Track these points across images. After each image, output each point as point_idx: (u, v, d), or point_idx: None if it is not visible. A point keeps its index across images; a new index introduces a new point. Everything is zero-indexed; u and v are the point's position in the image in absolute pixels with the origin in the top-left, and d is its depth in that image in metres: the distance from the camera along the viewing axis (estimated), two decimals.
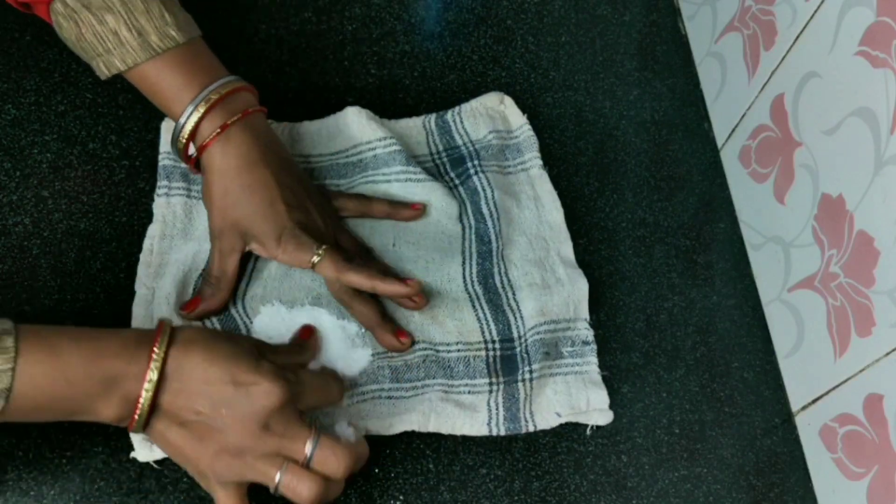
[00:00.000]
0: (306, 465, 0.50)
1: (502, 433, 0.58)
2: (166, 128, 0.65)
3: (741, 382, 0.66)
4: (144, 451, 0.54)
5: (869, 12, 0.56)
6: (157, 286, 0.59)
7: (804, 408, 0.65)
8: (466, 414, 0.58)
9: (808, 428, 0.64)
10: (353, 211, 0.64)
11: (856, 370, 0.58)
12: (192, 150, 0.58)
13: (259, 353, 0.51)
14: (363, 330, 0.60)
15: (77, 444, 0.54)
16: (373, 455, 0.58)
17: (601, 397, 0.61)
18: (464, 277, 0.63)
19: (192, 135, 0.57)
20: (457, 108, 0.71)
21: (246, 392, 0.49)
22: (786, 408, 0.66)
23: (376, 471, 0.57)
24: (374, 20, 0.75)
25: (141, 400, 0.48)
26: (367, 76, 0.73)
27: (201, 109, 0.56)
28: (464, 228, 0.65)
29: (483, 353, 0.60)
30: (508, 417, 0.59)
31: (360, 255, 0.62)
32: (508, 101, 0.72)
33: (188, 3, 0.71)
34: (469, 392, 0.59)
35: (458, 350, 0.60)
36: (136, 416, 0.48)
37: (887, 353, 0.55)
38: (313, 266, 0.57)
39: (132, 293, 0.59)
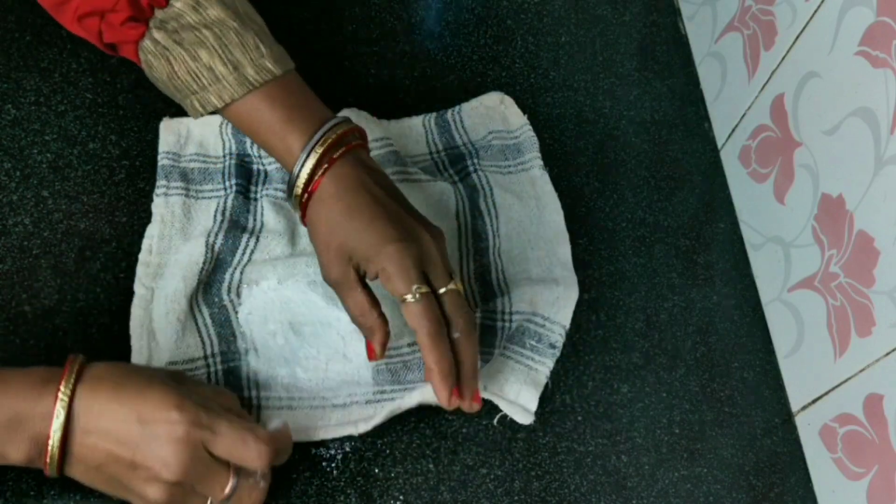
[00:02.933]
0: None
1: None
2: (164, 127, 0.64)
3: (741, 382, 0.66)
4: None
5: (869, 12, 0.56)
6: (156, 286, 0.59)
7: (804, 408, 0.65)
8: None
9: (808, 428, 0.64)
10: (437, 285, 0.54)
11: (856, 370, 0.58)
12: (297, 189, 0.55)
13: (177, 383, 0.50)
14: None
15: None
16: (373, 455, 0.58)
17: (531, 397, 0.59)
18: (461, 275, 0.63)
19: (307, 181, 0.54)
20: (457, 108, 0.71)
21: (154, 430, 0.47)
22: (786, 408, 0.66)
23: (376, 471, 0.57)
24: (374, 20, 0.75)
25: (49, 442, 0.46)
26: (367, 76, 0.73)
27: (316, 155, 0.53)
28: (460, 226, 0.65)
29: None
30: None
31: (465, 325, 0.54)
32: (509, 101, 0.72)
33: None
34: None
35: None
36: (48, 460, 0.47)
37: (887, 353, 0.55)
38: (404, 304, 0.52)
39: (132, 293, 0.59)
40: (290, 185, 0.55)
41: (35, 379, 0.47)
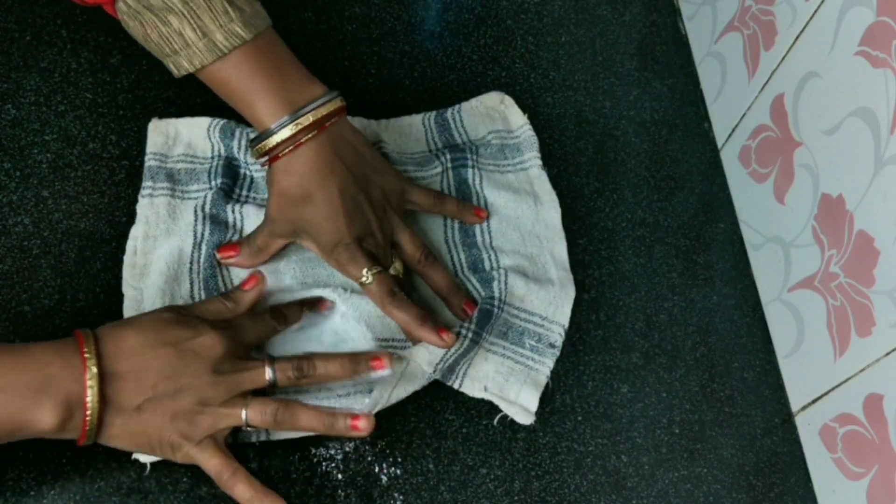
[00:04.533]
0: (272, 391, 0.53)
1: (436, 376, 0.58)
2: (153, 128, 0.64)
3: (741, 382, 0.66)
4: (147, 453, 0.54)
5: (869, 12, 0.56)
6: (143, 286, 0.59)
7: (804, 408, 0.65)
8: (429, 349, 0.57)
9: (808, 428, 0.64)
10: (426, 207, 0.64)
11: (856, 370, 0.58)
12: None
13: (183, 314, 0.52)
14: (358, 315, 0.60)
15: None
16: (373, 455, 0.58)
17: (532, 399, 0.60)
18: (453, 265, 0.64)
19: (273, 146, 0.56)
20: (456, 107, 0.71)
21: (190, 349, 0.50)
22: (786, 408, 0.66)
23: (376, 470, 0.57)
24: (374, 20, 0.75)
25: (87, 399, 0.47)
26: (367, 76, 0.73)
27: (293, 129, 0.55)
28: (445, 218, 0.66)
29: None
30: (450, 366, 0.58)
31: (423, 259, 0.61)
32: (509, 100, 0.72)
33: None
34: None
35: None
36: (88, 418, 0.47)
37: (887, 353, 0.55)
38: (361, 285, 0.58)
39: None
40: (253, 142, 0.57)
41: (54, 346, 0.48)
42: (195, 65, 0.54)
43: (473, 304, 0.61)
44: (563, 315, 0.63)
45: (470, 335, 0.58)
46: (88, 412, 0.47)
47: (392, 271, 0.60)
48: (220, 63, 0.54)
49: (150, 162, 0.63)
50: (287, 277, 0.61)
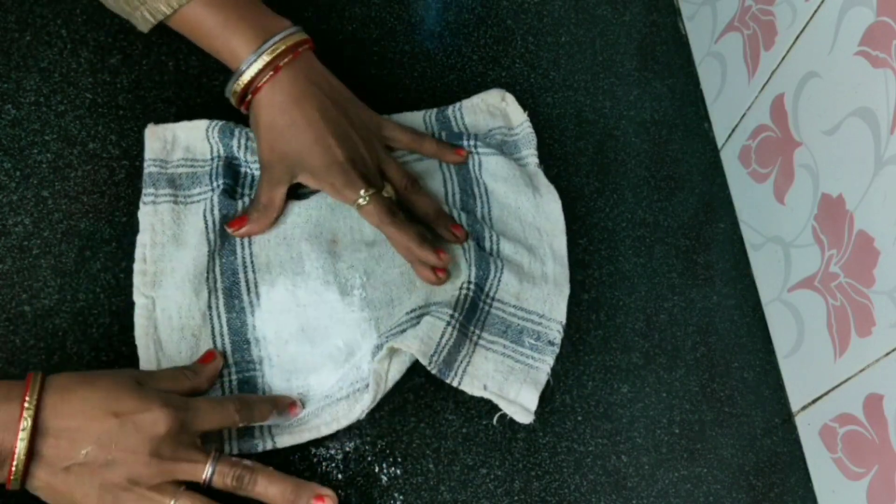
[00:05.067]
0: (208, 487, 0.50)
1: (433, 371, 0.57)
2: (150, 134, 0.64)
3: (741, 382, 0.66)
4: None
5: (869, 12, 0.56)
6: (156, 295, 0.58)
7: (804, 408, 0.65)
8: (423, 332, 0.57)
9: (808, 428, 0.64)
10: (404, 144, 0.65)
11: (856, 370, 0.58)
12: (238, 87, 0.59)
13: (140, 383, 0.50)
14: (370, 315, 0.60)
15: None
16: (373, 455, 0.58)
17: (531, 397, 0.60)
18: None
19: (249, 82, 0.58)
20: (457, 104, 0.71)
21: (132, 422, 0.48)
22: (786, 408, 0.66)
23: (376, 470, 0.57)
24: (374, 20, 0.75)
25: (16, 450, 0.46)
26: (367, 76, 0.73)
27: (270, 55, 0.57)
28: (447, 193, 0.66)
29: (457, 291, 0.61)
30: (446, 361, 0.58)
31: (409, 186, 0.63)
32: (510, 98, 0.72)
33: None
34: (432, 314, 0.58)
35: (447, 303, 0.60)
36: (13, 468, 0.46)
37: (887, 353, 0.55)
38: (358, 207, 0.59)
39: (132, 293, 0.59)
40: (231, 83, 0.58)
41: (2, 386, 0.47)
42: (172, 6, 0.56)
43: (460, 227, 0.63)
44: (560, 312, 0.63)
45: (457, 325, 0.58)
46: (14, 462, 0.46)
47: (385, 194, 0.61)
48: (195, 3, 0.57)
49: (150, 168, 0.63)
50: (311, 278, 0.61)
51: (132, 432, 0.48)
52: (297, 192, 0.64)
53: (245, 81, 0.58)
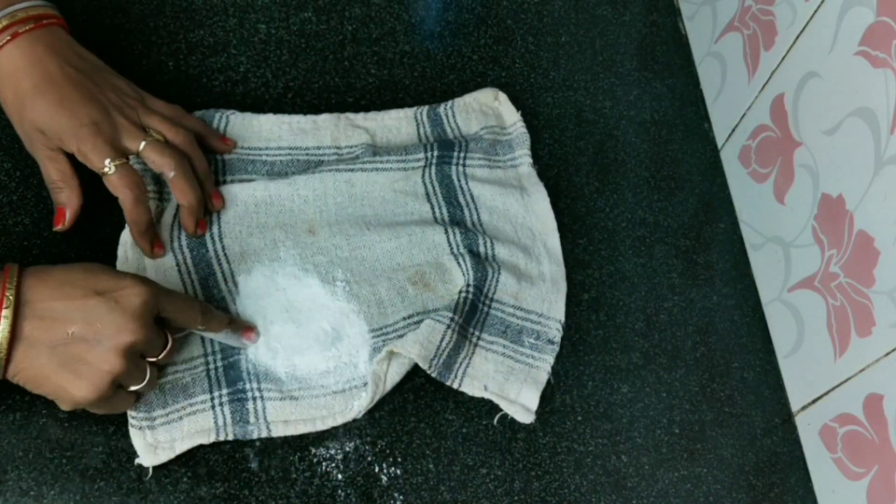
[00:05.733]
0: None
1: (433, 375, 0.58)
2: None
3: (741, 382, 0.66)
4: (149, 456, 0.54)
5: (869, 12, 0.56)
6: None
7: (804, 408, 0.65)
8: (423, 336, 0.57)
9: (808, 428, 0.64)
10: (167, 113, 0.62)
11: (856, 370, 0.58)
12: None
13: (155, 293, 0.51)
14: (358, 307, 0.60)
15: (77, 444, 0.54)
16: (373, 455, 0.58)
17: (532, 396, 0.60)
18: (449, 244, 0.63)
19: None
20: (449, 103, 0.71)
21: (114, 299, 0.49)
22: (786, 408, 0.66)
23: (376, 470, 0.57)
24: (374, 20, 0.75)
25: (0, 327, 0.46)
26: (367, 76, 0.73)
27: (9, 20, 0.56)
28: (432, 207, 0.66)
29: (457, 295, 0.61)
30: (446, 364, 0.58)
31: (183, 141, 0.60)
32: (503, 97, 0.72)
33: (186, 3, 0.71)
34: (431, 318, 0.58)
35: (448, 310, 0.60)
36: None
37: (887, 353, 0.55)
38: (104, 176, 0.57)
39: None
40: None
41: None
42: None
43: (220, 197, 0.62)
44: (558, 310, 0.63)
45: (457, 328, 0.58)
46: None
47: (145, 140, 0.58)
48: None
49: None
50: (288, 264, 0.61)
51: (115, 308, 0.48)
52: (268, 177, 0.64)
53: None
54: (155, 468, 0.54)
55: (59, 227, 0.59)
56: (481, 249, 0.63)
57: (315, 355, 0.58)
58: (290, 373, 0.58)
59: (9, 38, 0.56)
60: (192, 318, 0.53)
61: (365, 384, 0.58)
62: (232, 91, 0.69)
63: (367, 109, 0.70)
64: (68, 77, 0.57)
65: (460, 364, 0.59)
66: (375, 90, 0.72)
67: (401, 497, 0.57)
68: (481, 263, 0.62)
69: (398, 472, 0.58)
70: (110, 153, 0.56)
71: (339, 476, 0.57)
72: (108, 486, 0.54)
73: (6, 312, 0.46)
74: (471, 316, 0.60)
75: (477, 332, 0.60)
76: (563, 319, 0.63)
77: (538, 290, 0.63)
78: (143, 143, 0.58)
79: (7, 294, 0.47)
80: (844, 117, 0.59)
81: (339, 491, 0.56)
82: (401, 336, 0.59)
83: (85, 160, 0.57)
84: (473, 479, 0.58)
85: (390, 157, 0.67)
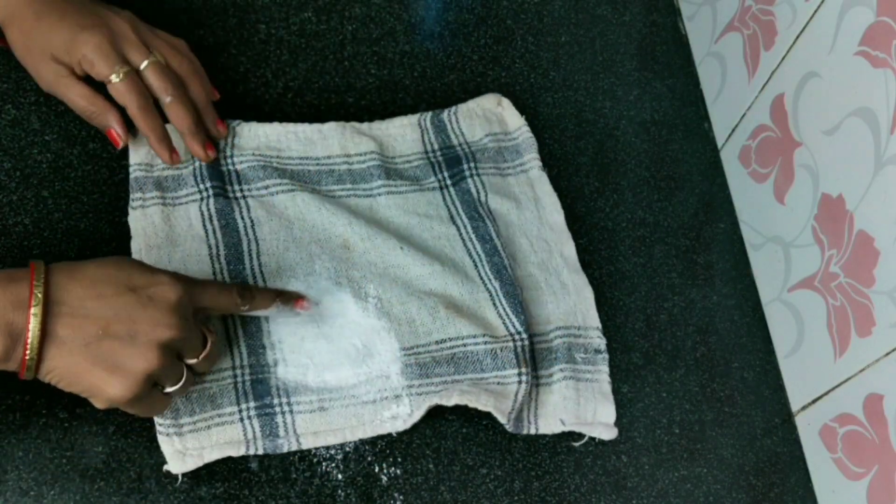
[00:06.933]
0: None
1: (509, 428, 0.58)
2: (133, 140, 0.64)
3: (741, 382, 0.66)
4: (177, 463, 0.54)
5: (869, 12, 0.56)
6: None
7: (804, 408, 0.65)
8: (496, 397, 0.57)
9: (808, 428, 0.64)
10: (170, 41, 0.62)
11: (856, 370, 0.58)
12: None
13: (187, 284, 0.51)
14: (389, 325, 0.60)
15: (77, 444, 0.54)
16: (373, 455, 0.58)
17: (609, 411, 0.61)
18: (480, 276, 0.63)
19: None
20: (453, 108, 0.71)
21: (148, 295, 0.48)
22: (786, 408, 0.66)
23: (376, 470, 0.57)
24: (374, 20, 0.75)
25: (30, 327, 0.45)
26: (367, 76, 0.73)
27: None
28: (458, 228, 0.65)
29: (510, 343, 0.59)
30: (517, 417, 0.58)
31: (184, 66, 0.61)
32: (506, 102, 0.72)
33: (186, 3, 0.71)
34: (499, 383, 0.58)
35: (486, 343, 0.59)
36: (28, 349, 0.45)
37: (887, 353, 0.55)
38: (109, 84, 0.57)
39: None
40: None
41: (2, 275, 0.46)
42: None
43: (224, 125, 0.64)
44: (592, 318, 0.64)
45: (529, 379, 0.58)
46: (29, 342, 0.45)
47: (150, 58, 0.59)
48: None
49: (135, 173, 0.62)
50: (322, 279, 0.61)
51: (150, 304, 0.48)
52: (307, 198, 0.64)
53: None
54: (155, 469, 0.54)
55: (120, 146, 0.60)
56: (508, 272, 0.62)
57: (346, 371, 0.58)
58: (320, 387, 0.57)
59: None
60: (230, 302, 0.52)
61: (397, 396, 0.58)
62: (232, 91, 0.69)
63: (367, 109, 0.70)
64: (70, 1, 0.58)
65: (528, 411, 0.59)
66: (375, 90, 0.72)
67: (401, 497, 0.57)
68: (519, 304, 0.61)
69: (398, 472, 0.58)
70: (116, 59, 0.57)
71: (339, 476, 0.57)
72: (108, 486, 0.54)
73: (35, 310, 0.45)
74: (532, 360, 0.60)
75: (532, 373, 0.60)
76: (600, 326, 0.63)
77: (566, 304, 0.63)
78: (146, 62, 0.59)
79: (35, 292, 0.45)
80: (844, 117, 0.59)
81: (339, 491, 0.56)
82: (433, 358, 0.59)
83: (91, 69, 0.57)
84: (473, 479, 0.58)
85: (404, 181, 0.67)
